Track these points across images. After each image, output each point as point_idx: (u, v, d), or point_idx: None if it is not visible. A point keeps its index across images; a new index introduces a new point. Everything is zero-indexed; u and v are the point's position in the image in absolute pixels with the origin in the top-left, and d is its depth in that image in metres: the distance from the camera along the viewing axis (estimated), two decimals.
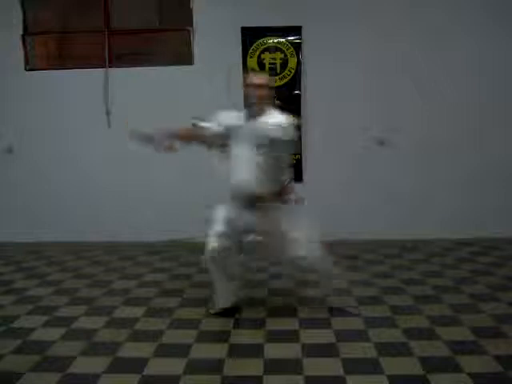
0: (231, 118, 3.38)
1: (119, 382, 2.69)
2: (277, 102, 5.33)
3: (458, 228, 5.36)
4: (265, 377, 2.70)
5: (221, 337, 3.20)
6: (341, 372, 2.72)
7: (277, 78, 5.40)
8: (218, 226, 3.35)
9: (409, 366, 2.77)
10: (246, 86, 3.41)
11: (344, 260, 4.83)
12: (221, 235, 3.33)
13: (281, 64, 5.42)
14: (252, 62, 5.42)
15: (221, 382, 2.66)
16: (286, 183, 3.44)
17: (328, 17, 5.29)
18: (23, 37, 5.49)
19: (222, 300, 3.48)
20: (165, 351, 3.02)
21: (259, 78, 3.38)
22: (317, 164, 5.44)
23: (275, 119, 3.29)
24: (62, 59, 5.61)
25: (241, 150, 3.29)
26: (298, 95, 5.42)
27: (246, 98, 3.43)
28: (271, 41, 5.40)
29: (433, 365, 2.76)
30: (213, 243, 3.34)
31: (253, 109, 3.33)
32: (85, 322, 3.47)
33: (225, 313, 3.49)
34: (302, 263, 3.45)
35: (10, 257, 5.20)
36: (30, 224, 5.59)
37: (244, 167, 3.27)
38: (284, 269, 3.65)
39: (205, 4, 5.37)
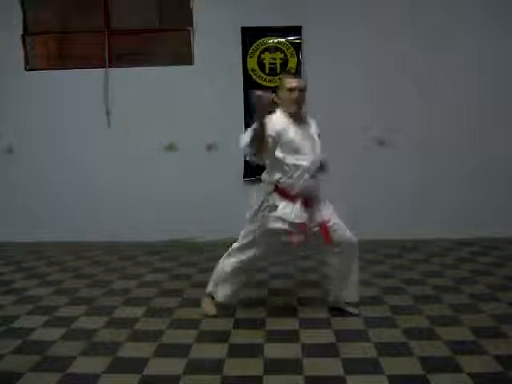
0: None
1: (119, 382, 2.69)
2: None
3: (458, 228, 5.36)
4: (265, 377, 2.69)
5: (221, 337, 3.19)
6: (341, 372, 2.72)
7: (277, 78, 5.40)
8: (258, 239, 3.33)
9: (409, 366, 2.76)
10: (290, 90, 3.22)
11: None
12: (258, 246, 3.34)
13: (281, 64, 5.42)
14: (252, 62, 5.42)
15: (221, 382, 2.66)
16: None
17: (328, 17, 5.29)
18: (23, 37, 5.48)
19: (226, 296, 3.47)
20: (165, 351, 3.02)
21: (300, 81, 3.29)
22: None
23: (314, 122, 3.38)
24: (62, 59, 5.61)
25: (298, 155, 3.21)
26: None
27: (288, 102, 3.23)
28: (271, 41, 5.40)
29: (433, 365, 2.76)
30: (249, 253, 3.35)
31: (296, 113, 3.27)
32: (85, 322, 3.47)
33: (223, 313, 3.49)
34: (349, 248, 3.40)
35: (10, 257, 5.20)
36: (30, 224, 5.59)
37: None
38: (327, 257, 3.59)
39: (205, 4, 5.37)
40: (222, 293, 3.48)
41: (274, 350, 2.99)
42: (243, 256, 3.37)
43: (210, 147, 5.55)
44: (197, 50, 5.45)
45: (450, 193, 5.42)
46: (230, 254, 3.44)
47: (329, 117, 5.36)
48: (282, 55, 5.40)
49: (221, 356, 2.93)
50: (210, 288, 3.54)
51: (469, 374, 2.65)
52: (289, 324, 3.36)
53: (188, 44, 5.46)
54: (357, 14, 5.29)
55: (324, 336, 3.18)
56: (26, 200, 5.61)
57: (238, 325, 3.37)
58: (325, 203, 3.42)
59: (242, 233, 3.39)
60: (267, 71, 5.41)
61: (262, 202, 3.27)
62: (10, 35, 5.42)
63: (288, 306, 3.68)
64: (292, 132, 3.18)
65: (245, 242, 3.36)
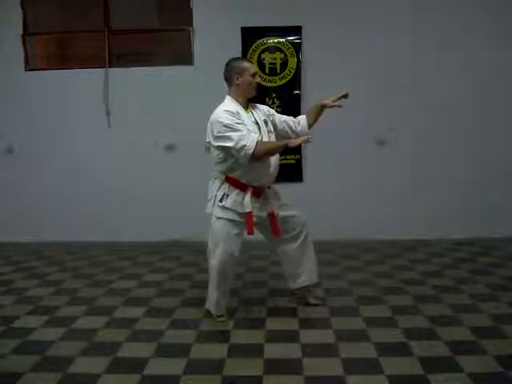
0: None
1: (119, 382, 2.69)
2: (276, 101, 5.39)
3: (458, 228, 5.36)
4: (265, 377, 2.70)
5: (221, 337, 3.20)
6: (341, 372, 2.72)
7: (277, 77, 5.41)
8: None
9: (409, 366, 2.76)
10: (253, 75, 3.30)
11: (344, 260, 4.84)
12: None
13: (281, 64, 5.41)
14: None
15: (221, 382, 2.66)
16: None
17: (328, 17, 5.29)
18: (23, 37, 5.48)
19: (218, 307, 3.44)
20: (165, 351, 3.02)
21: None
22: (317, 164, 5.44)
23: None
24: (62, 59, 5.61)
25: None
26: (298, 95, 5.42)
27: (248, 88, 3.30)
28: (271, 41, 5.40)
29: (433, 365, 2.76)
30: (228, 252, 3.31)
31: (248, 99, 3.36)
32: (85, 322, 3.47)
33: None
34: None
35: (10, 257, 5.20)
36: (30, 224, 5.59)
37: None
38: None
39: (205, 4, 5.37)
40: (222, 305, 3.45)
41: (274, 350, 2.99)
42: (216, 255, 3.32)
43: (209, 147, 5.53)
44: (197, 50, 5.45)
45: (450, 192, 5.41)
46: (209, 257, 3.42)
47: (328, 116, 5.37)
48: (282, 55, 5.40)
49: (221, 356, 2.93)
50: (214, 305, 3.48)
51: (469, 373, 2.65)
52: (289, 324, 3.36)
53: (188, 44, 5.46)
54: (357, 14, 5.29)
55: (324, 336, 3.18)
56: (26, 200, 5.61)
57: (238, 325, 3.37)
58: (276, 195, 3.45)
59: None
60: (267, 71, 5.41)
61: (216, 194, 3.30)
62: (10, 35, 5.42)
63: (288, 306, 3.67)
64: (244, 117, 3.24)
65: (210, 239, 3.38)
